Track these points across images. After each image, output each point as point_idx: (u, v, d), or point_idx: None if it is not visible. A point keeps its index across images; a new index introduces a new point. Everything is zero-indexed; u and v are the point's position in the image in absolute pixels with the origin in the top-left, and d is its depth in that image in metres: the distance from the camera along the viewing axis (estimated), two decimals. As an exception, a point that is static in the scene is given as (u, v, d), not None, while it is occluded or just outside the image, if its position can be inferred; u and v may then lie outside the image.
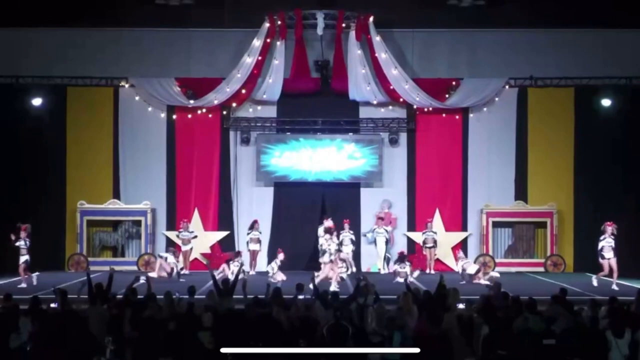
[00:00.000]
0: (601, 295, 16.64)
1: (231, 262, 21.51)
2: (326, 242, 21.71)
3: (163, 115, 25.16)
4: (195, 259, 24.39)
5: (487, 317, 12.69)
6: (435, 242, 24.01)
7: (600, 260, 21.06)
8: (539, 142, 25.27)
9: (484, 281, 21.02)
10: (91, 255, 24.75)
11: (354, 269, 23.01)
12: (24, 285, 20.60)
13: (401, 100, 24.83)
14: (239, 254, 22.08)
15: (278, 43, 24.47)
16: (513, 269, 24.73)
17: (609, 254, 20.99)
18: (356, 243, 23.94)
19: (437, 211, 25.05)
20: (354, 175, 25.13)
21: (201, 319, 12.34)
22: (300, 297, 14.45)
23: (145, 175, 25.15)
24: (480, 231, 25.11)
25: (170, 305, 13.43)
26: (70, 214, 24.89)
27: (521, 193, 25.28)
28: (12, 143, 24.53)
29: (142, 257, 24.40)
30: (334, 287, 19.16)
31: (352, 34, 24.45)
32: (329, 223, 22.71)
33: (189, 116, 25.05)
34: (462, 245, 25.11)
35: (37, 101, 24.12)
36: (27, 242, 21.14)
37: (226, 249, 24.49)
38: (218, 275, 19.54)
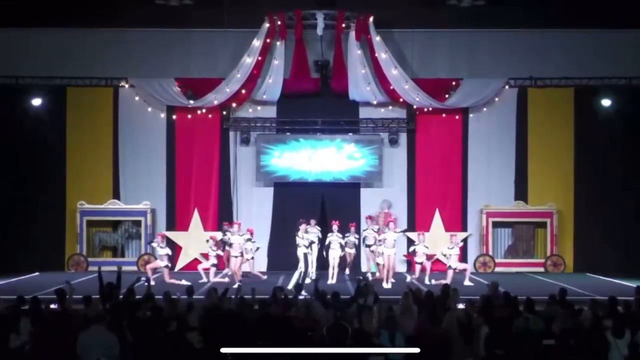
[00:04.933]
0: (601, 295, 16.63)
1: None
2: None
3: (163, 115, 25.16)
4: (195, 259, 24.41)
5: (487, 317, 12.70)
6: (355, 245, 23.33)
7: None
8: (538, 142, 25.27)
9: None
10: (91, 256, 24.74)
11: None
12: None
13: (401, 100, 24.84)
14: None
15: (278, 43, 24.47)
16: (513, 269, 24.75)
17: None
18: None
19: (437, 211, 25.06)
20: (354, 176, 25.13)
21: (187, 319, 12.36)
22: (301, 297, 14.48)
23: (145, 175, 25.14)
24: (480, 231, 25.12)
25: (171, 305, 13.43)
26: (70, 214, 24.89)
27: (521, 193, 25.29)
28: (12, 143, 24.55)
29: (142, 257, 24.41)
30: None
31: (352, 34, 24.45)
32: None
33: (189, 116, 25.05)
34: (462, 246, 25.09)
35: (37, 101, 24.12)
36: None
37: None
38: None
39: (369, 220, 23.62)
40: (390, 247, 21.28)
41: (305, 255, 21.85)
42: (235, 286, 19.87)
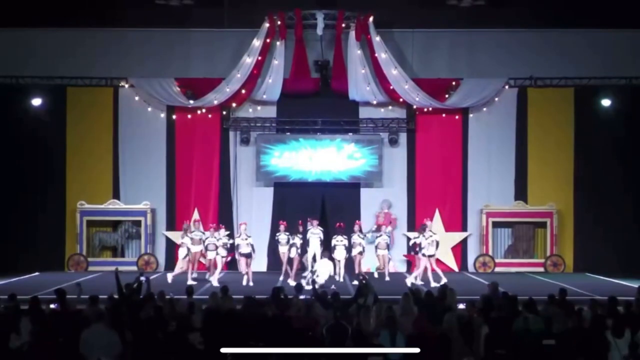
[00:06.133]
0: (601, 295, 16.63)
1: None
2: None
3: (163, 115, 25.17)
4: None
5: (487, 317, 12.70)
6: (387, 245, 22.58)
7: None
8: (538, 142, 25.27)
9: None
10: (91, 256, 24.76)
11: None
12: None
13: (401, 100, 24.84)
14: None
15: (278, 43, 24.49)
16: (513, 269, 24.74)
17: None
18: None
19: (437, 211, 25.05)
20: (354, 175, 25.13)
21: (190, 320, 12.36)
22: (301, 297, 14.48)
23: (145, 175, 25.15)
24: (480, 231, 25.11)
25: (171, 306, 13.42)
26: (70, 214, 24.89)
27: (521, 193, 25.28)
28: (12, 143, 24.54)
29: (142, 257, 24.42)
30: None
31: (352, 34, 24.46)
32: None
33: (189, 116, 25.06)
34: (462, 246, 25.12)
35: (37, 101, 24.13)
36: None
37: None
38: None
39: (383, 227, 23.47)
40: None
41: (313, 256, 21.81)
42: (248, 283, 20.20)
